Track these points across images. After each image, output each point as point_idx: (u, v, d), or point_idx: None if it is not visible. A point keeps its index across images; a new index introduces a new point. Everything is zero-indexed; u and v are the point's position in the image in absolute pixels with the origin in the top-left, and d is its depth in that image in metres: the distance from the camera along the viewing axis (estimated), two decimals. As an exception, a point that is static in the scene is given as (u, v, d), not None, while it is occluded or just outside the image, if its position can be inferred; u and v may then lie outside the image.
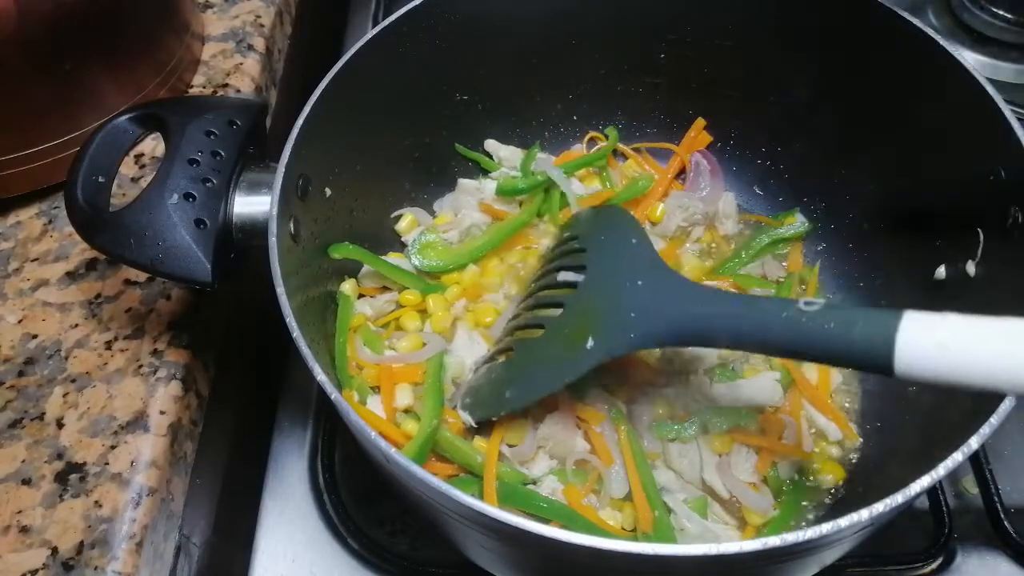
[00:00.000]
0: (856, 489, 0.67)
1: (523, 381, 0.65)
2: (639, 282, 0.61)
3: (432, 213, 0.85)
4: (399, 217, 0.83)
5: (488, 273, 0.79)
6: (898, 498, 0.46)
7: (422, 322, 0.76)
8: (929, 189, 0.70)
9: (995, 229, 0.61)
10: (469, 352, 0.74)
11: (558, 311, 0.66)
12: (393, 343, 0.75)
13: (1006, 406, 0.50)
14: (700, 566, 0.46)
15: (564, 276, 0.68)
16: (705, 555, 0.44)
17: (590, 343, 0.60)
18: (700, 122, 0.87)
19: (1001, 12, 0.99)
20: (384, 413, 0.69)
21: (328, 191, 0.70)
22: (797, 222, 0.83)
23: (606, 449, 0.68)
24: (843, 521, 0.45)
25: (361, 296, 0.77)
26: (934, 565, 0.69)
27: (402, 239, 0.83)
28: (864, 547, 0.57)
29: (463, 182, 0.85)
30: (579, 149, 0.89)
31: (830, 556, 0.56)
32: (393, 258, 0.80)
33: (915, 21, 0.66)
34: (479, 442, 0.68)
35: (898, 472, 0.56)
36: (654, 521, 0.64)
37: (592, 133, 0.89)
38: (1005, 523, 0.69)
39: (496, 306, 0.78)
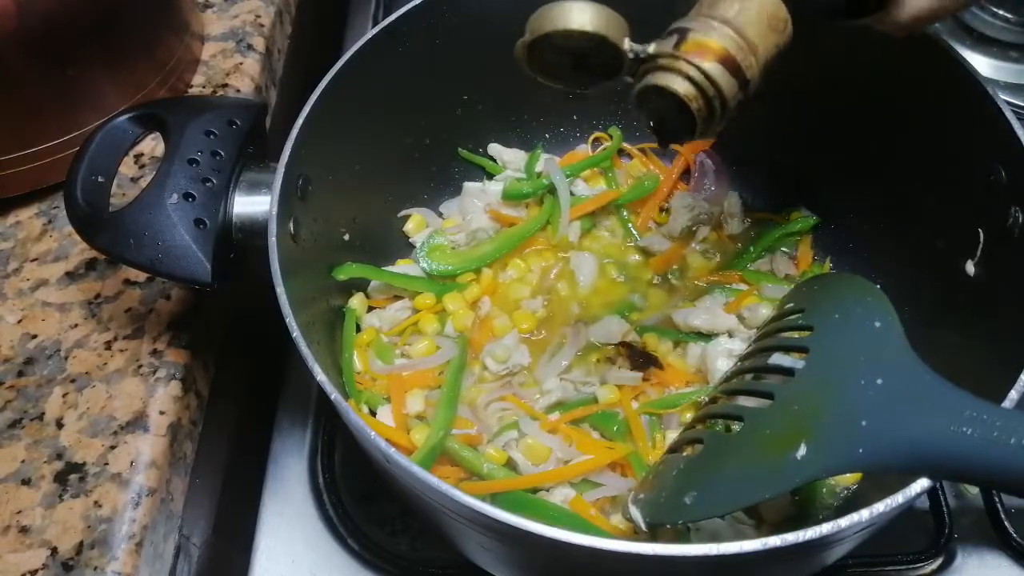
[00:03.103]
0: (873, 486, 0.67)
1: (709, 486, 0.54)
2: (878, 380, 0.49)
3: (438, 215, 0.85)
4: (404, 219, 0.83)
5: (517, 279, 0.79)
6: (898, 498, 0.46)
7: (441, 324, 0.76)
8: (929, 189, 0.70)
9: (995, 229, 0.61)
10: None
11: (765, 402, 0.55)
12: (406, 350, 0.74)
13: (1006, 407, 0.50)
14: (700, 566, 0.46)
15: (778, 360, 0.58)
16: (705, 555, 0.44)
17: (802, 451, 0.49)
18: (703, 121, 0.87)
19: (1001, 12, 0.99)
20: (394, 421, 0.69)
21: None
22: (803, 216, 0.83)
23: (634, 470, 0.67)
24: (843, 521, 0.45)
25: (371, 309, 0.77)
26: (934, 565, 0.69)
27: (410, 240, 0.83)
28: (864, 547, 0.57)
29: (468, 185, 0.85)
30: (584, 149, 0.89)
31: (831, 556, 0.56)
32: (401, 265, 0.80)
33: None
34: (491, 453, 0.68)
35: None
36: (677, 533, 0.63)
37: (596, 133, 0.89)
38: (1005, 523, 0.69)
39: (535, 313, 0.77)
